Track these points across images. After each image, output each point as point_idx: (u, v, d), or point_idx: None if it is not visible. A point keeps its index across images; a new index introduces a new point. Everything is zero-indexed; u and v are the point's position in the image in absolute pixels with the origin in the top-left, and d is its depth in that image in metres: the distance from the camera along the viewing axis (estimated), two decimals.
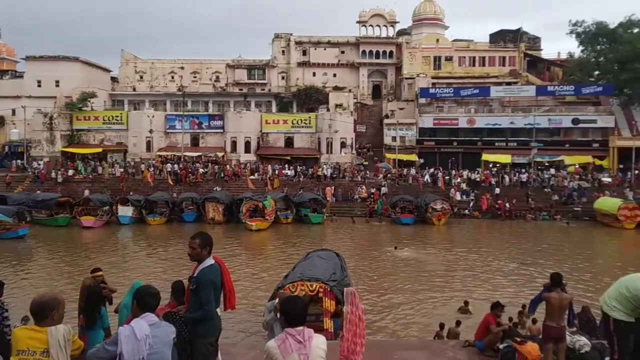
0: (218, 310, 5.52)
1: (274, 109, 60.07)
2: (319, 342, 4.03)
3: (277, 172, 47.08)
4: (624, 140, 47.06)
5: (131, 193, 40.52)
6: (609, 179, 43.94)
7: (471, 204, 40.57)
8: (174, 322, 4.97)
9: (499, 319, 8.48)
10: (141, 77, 65.03)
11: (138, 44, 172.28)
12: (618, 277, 5.82)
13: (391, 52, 64.28)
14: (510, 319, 13.49)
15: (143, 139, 52.23)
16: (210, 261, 5.30)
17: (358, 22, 65.22)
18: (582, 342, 7.57)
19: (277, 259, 25.60)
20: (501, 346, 7.83)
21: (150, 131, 51.65)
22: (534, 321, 12.07)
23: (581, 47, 55.16)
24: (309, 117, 54.11)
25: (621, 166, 46.60)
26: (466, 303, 16.37)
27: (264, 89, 64.18)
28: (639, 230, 34.79)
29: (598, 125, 49.02)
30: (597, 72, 54.19)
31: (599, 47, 54.00)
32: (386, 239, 31.86)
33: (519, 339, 7.65)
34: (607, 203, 37.03)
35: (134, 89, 63.60)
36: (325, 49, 65.06)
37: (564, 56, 61.91)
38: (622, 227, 34.81)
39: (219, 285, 5.33)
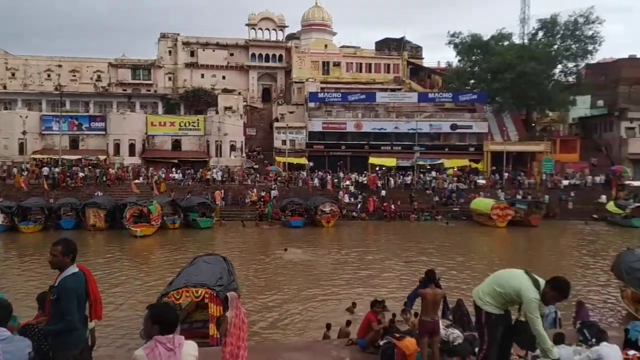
0: (95, 321, 5.19)
1: (160, 110, 58.20)
2: (190, 349, 3.90)
3: (163, 175, 45.61)
4: (496, 144, 50.64)
5: (1, 199, 37.43)
6: (484, 181, 47.03)
7: (359, 206, 41.68)
8: (31, 335, 4.59)
9: (379, 316, 8.72)
10: (13, 75, 60.33)
11: (9, 40, 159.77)
12: (491, 272, 6.18)
13: (281, 55, 64.66)
14: (394, 315, 13.97)
15: (15, 141, 48.53)
16: (73, 269, 4.95)
17: (247, 25, 64.94)
18: (456, 334, 7.97)
19: (162, 265, 24.73)
20: (381, 342, 8.05)
21: (24, 132, 48.07)
22: (417, 315, 12.57)
23: (458, 57, 58.79)
24: (198, 120, 53.02)
25: (494, 168, 50.07)
26: (354, 304, 16.70)
27: (149, 90, 61.98)
28: (510, 228, 37.43)
29: (474, 130, 52.38)
30: (472, 81, 57.85)
31: (474, 57, 57.68)
32: (276, 242, 31.88)
33: (398, 335, 7.90)
34: (481, 203, 39.56)
35: (5, 87, 58.89)
36: (214, 51, 64.08)
37: (443, 65, 65.60)
38: (495, 225, 37.30)
39: (84, 294, 4.99)
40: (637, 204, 39.16)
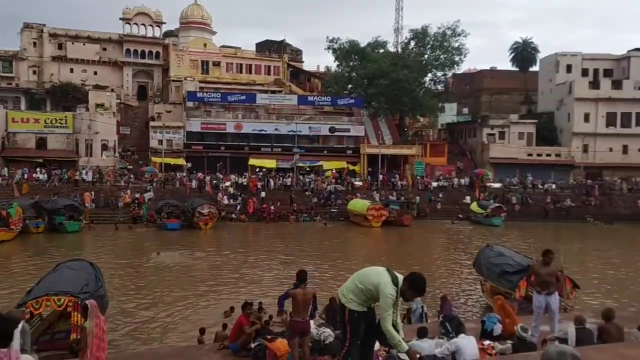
0: None
1: (23, 106, 53.84)
2: None
3: (26, 176, 42.22)
4: (372, 148, 52.51)
5: None
6: (360, 183, 48.58)
7: (238, 207, 41.30)
8: None
9: (252, 318, 8.63)
10: None
11: None
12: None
13: (158, 53, 62.45)
14: (271, 317, 13.96)
15: None
16: None
17: (122, 19, 62.00)
18: (327, 333, 8.09)
19: (22, 273, 22.80)
20: (253, 345, 7.97)
21: None
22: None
23: (337, 62, 60.34)
24: (66, 117, 49.68)
25: (370, 169, 51.93)
26: (232, 308, 16.40)
27: (10, 84, 57.07)
28: (384, 228, 38.99)
29: (351, 134, 53.91)
30: (350, 86, 59.56)
31: (352, 63, 59.50)
32: (151, 246, 30.61)
33: (269, 337, 7.87)
34: (357, 204, 40.84)
35: None
36: (84, 44, 60.43)
37: (322, 69, 67.02)
38: (370, 225, 38.69)
39: None
40: (497, 204, 42.49)
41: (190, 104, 53.90)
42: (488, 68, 73.67)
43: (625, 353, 4.82)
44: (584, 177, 51.48)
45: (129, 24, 62.23)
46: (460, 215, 43.66)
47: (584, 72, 57.69)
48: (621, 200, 46.60)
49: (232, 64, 62.71)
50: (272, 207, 41.33)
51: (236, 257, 27.10)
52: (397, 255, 28.79)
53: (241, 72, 62.87)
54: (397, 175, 50.67)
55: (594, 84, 54.82)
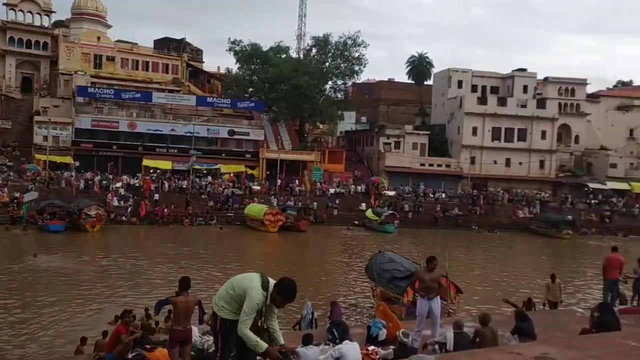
0: None
1: None
2: None
3: None
4: (271, 152, 52.33)
5: None
6: (258, 187, 48.22)
7: (129, 209, 39.52)
8: None
9: (131, 328, 8.13)
10: None
11: None
12: None
13: (46, 43, 58.47)
14: (157, 323, 13.32)
15: None
16: None
17: (5, 4, 57.51)
18: (211, 341, 7.76)
19: None
20: (131, 355, 7.49)
21: None
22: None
23: (238, 65, 59.68)
24: None
25: (268, 174, 51.70)
26: (118, 317, 15.48)
27: None
28: (281, 233, 38.89)
29: (250, 137, 53.38)
30: (251, 89, 59.07)
31: (253, 66, 59.12)
32: (30, 248, 28.47)
33: (149, 346, 7.42)
34: (254, 209, 40.46)
35: None
36: None
37: (223, 71, 65.99)
38: (267, 230, 38.43)
39: None
40: (390, 212, 43.81)
41: (80, 99, 50.94)
42: (387, 79, 76.21)
43: (494, 357, 4.95)
44: (471, 188, 54.41)
45: (14, 10, 57.84)
46: (355, 222, 44.50)
47: (474, 88, 61.14)
48: (503, 210, 49.69)
49: (127, 59, 60.06)
50: (165, 210, 39.94)
51: (126, 260, 25.84)
52: (291, 261, 28.78)
53: (137, 69, 60.34)
54: (296, 181, 50.87)
55: (482, 100, 58.25)
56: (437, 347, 7.82)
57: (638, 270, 14.02)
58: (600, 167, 59.04)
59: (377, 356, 8.03)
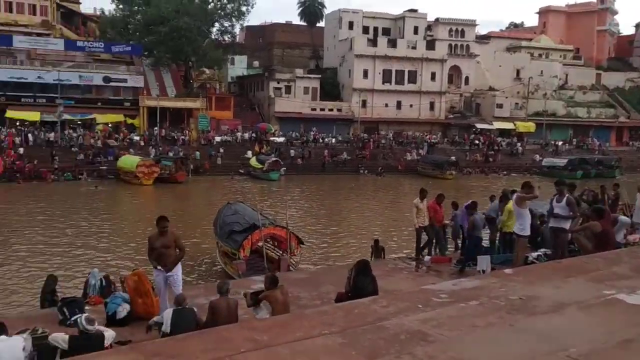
0: None
1: None
2: None
3: None
4: (152, 100, 48.99)
5: None
6: (138, 138, 45.30)
7: None
8: None
9: None
10: None
11: None
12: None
13: None
14: None
15: None
16: None
17: None
18: None
19: None
20: None
21: None
22: None
23: (116, 5, 54.90)
24: None
25: (151, 123, 48.58)
26: None
27: None
28: (157, 185, 36.74)
29: (129, 84, 49.60)
30: (131, 32, 54.59)
31: (135, 7, 54.46)
32: None
33: None
34: (127, 161, 37.83)
35: None
36: None
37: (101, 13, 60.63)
38: (140, 183, 36.17)
39: None
40: (275, 159, 42.50)
41: None
42: (283, 22, 73.55)
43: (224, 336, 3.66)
44: (363, 132, 54.01)
45: None
46: (241, 170, 42.96)
47: (365, 30, 59.99)
48: (392, 153, 49.69)
49: None
50: (26, 165, 36.50)
51: None
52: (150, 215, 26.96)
53: None
54: (182, 130, 48.25)
55: (373, 42, 57.28)
56: (155, 329, 6.50)
57: (454, 213, 13.32)
58: (487, 107, 60.31)
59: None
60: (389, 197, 36.77)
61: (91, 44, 51.40)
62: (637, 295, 4.67)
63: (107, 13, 58.34)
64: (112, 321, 7.54)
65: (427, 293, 4.67)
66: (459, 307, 4.30)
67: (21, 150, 38.94)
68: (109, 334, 6.34)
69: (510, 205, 10.49)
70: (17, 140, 40.43)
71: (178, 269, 7.66)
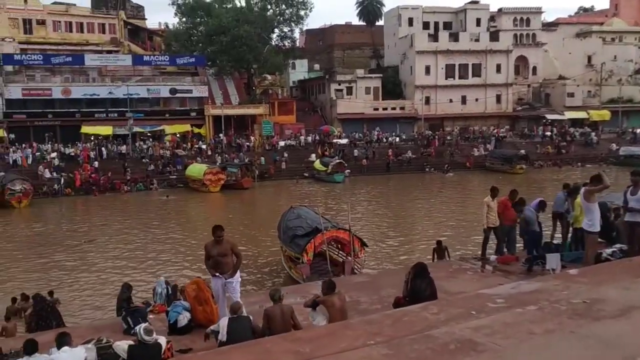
0: None
1: None
2: None
3: None
4: (217, 109, 50.15)
5: None
6: (205, 146, 46.46)
7: (62, 180, 37.60)
8: None
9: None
10: None
11: None
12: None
13: None
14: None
15: None
16: None
17: None
18: None
19: None
20: None
21: None
22: None
23: (178, 19, 56.67)
24: None
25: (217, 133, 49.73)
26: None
27: None
28: (224, 192, 37.53)
29: (194, 95, 50.97)
30: (195, 44, 56.12)
31: (198, 19, 56.04)
32: None
33: None
34: (195, 169, 38.84)
35: None
36: None
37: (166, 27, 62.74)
38: (208, 190, 37.02)
39: None
40: (338, 161, 42.43)
41: (9, 68, 48.09)
42: (343, 23, 73.54)
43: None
44: (427, 129, 53.10)
45: None
46: (305, 174, 43.19)
47: (425, 26, 58.95)
48: (458, 149, 48.50)
49: (60, 22, 56.65)
50: (101, 178, 38.17)
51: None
52: (236, 220, 27.64)
53: (71, 31, 57.02)
54: (247, 137, 49.12)
55: (434, 37, 56.23)
56: (213, 338, 6.50)
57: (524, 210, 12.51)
58: (558, 97, 57.88)
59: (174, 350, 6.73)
60: (456, 195, 35.84)
61: (157, 58, 53.27)
62: None
63: (171, 27, 60.43)
64: (173, 329, 7.67)
65: (482, 298, 4.42)
66: (515, 312, 4.04)
67: (96, 163, 40.69)
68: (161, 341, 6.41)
69: (579, 199, 9.90)
70: (92, 154, 42.30)
71: (236, 277, 7.70)
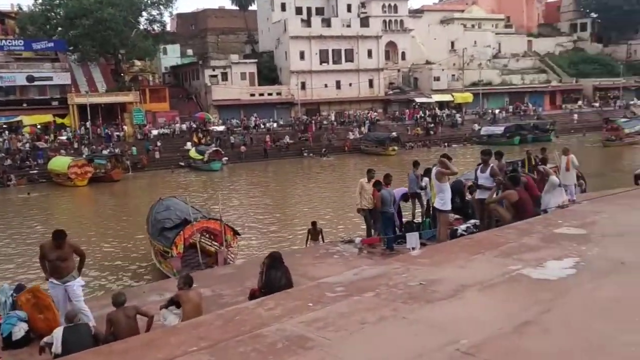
0: None
1: None
2: None
3: None
4: (81, 97, 46.88)
5: None
6: (67, 137, 43.37)
7: None
8: None
9: None
10: None
11: None
12: None
13: None
14: None
15: None
16: None
17: None
18: None
19: None
20: None
21: None
22: None
23: (35, 0, 51.91)
24: None
25: (83, 123, 46.57)
26: None
27: None
28: (92, 186, 35.31)
29: (55, 82, 47.30)
30: (55, 28, 51.76)
31: (57, 1, 51.56)
32: None
33: None
34: (58, 163, 36.16)
35: None
36: None
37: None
38: (74, 185, 34.67)
39: None
40: (215, 148, 41.52)
41: None
42: (216, 8, 71.76)
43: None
44: (304, 114, 53.48)
45: None
46: (181, 163, 41.85)
47: (298, 11, 59.05)
48: (334, 133, 49.36)
49: None
50: None
51: None
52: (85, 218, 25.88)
53: None
54: (116, 126, 46.49)
55: (307, 22, 56.53)
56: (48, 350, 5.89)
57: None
58: (425, 81, 60.72)
59: None
60: (333, 178, 36.45)
61: (10, 42, 48.62)
62: (542, 268, 4.44)
63: (25, 9, 55.21)
64: (8, 344, 6.88)
65: (321, 288, 4.30)
66: (352, 301, 3.95)
67: None
68: None
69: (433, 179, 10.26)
70: None
71: (77, 280, 7.02)
